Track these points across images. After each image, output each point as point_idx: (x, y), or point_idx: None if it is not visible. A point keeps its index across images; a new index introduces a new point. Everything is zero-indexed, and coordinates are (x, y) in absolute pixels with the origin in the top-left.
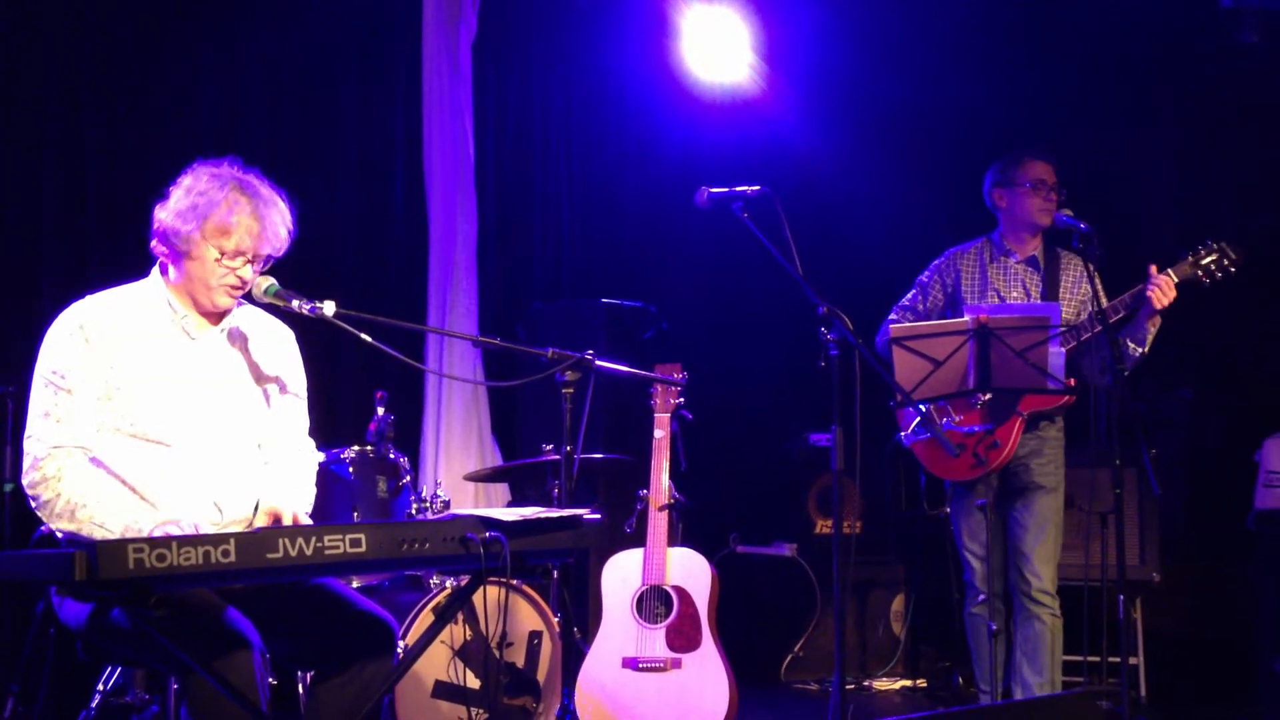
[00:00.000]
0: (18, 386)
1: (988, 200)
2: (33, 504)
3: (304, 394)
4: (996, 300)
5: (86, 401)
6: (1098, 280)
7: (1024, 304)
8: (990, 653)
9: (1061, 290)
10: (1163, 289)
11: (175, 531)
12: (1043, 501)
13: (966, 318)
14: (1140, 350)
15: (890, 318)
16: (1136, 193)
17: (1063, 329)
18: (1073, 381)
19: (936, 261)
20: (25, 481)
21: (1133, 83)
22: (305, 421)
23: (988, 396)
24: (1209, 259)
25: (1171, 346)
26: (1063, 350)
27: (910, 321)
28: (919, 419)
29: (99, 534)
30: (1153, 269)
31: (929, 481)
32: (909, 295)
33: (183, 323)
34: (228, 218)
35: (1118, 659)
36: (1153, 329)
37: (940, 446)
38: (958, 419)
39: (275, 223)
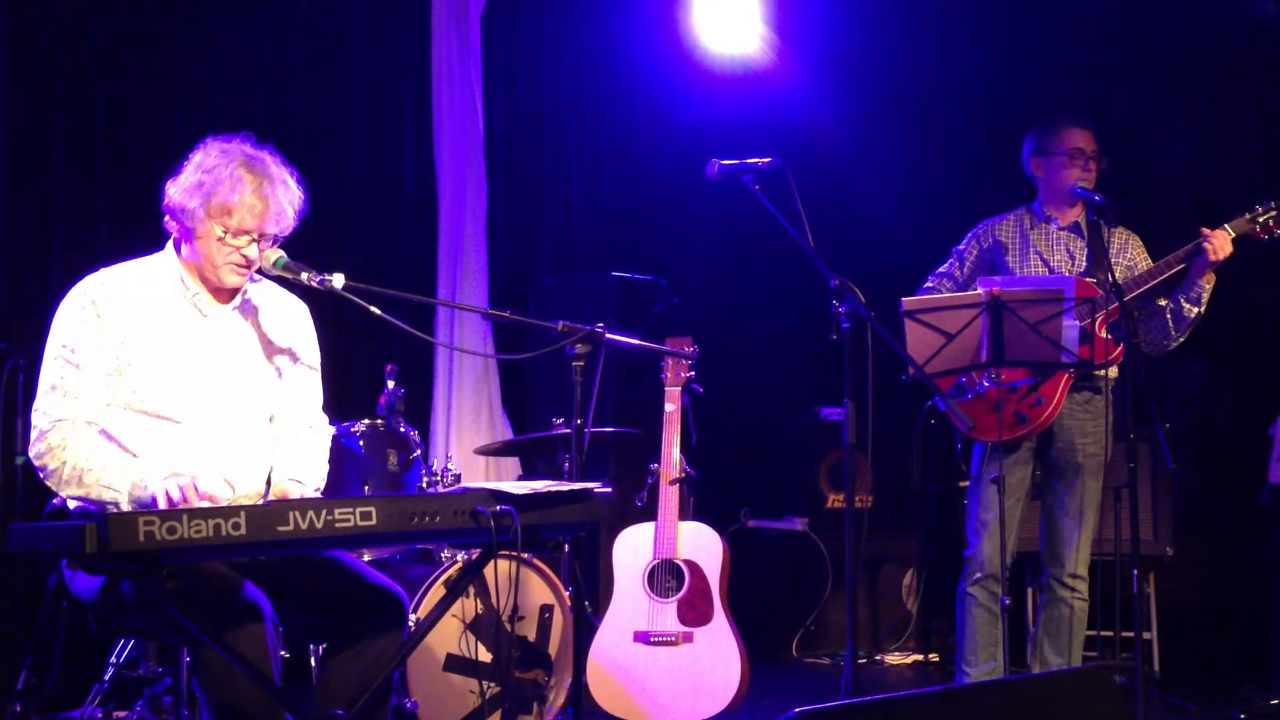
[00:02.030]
0: (29, 359)
1: (1026, 169)
2: (40, 475)
3: (318, 368)
4: (1040, 264)
5: (96, 377)
6: (1138, 250)
7: (1036, 276)
8: (1004, 629)
9: (1112, 254)
10: (1219, 242)
11: (181, 484)
12: (1086, 484)
13: (979, 290)
14: (1196, 310)
15: (927, 285)
16: (1151, 162)
17: (1082, 302)
18: (1122, 346)
19: (973, 230)
20: (31, 454)
21: (1147, 51)
22: (319, 396)
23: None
24: (1266, 216)
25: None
26: (1078, 324)
27: (949, 289)
28: (955, 385)
29: (108, 495)
30: (1204, 230)
31: (965, 447)
32: (945, 264)
33: (194, 299)
34: (230, 196)
35: (1131, 634)
36: (1208, 286)
37: (980, 406)
38: (999, 375)
39: (280, 202)
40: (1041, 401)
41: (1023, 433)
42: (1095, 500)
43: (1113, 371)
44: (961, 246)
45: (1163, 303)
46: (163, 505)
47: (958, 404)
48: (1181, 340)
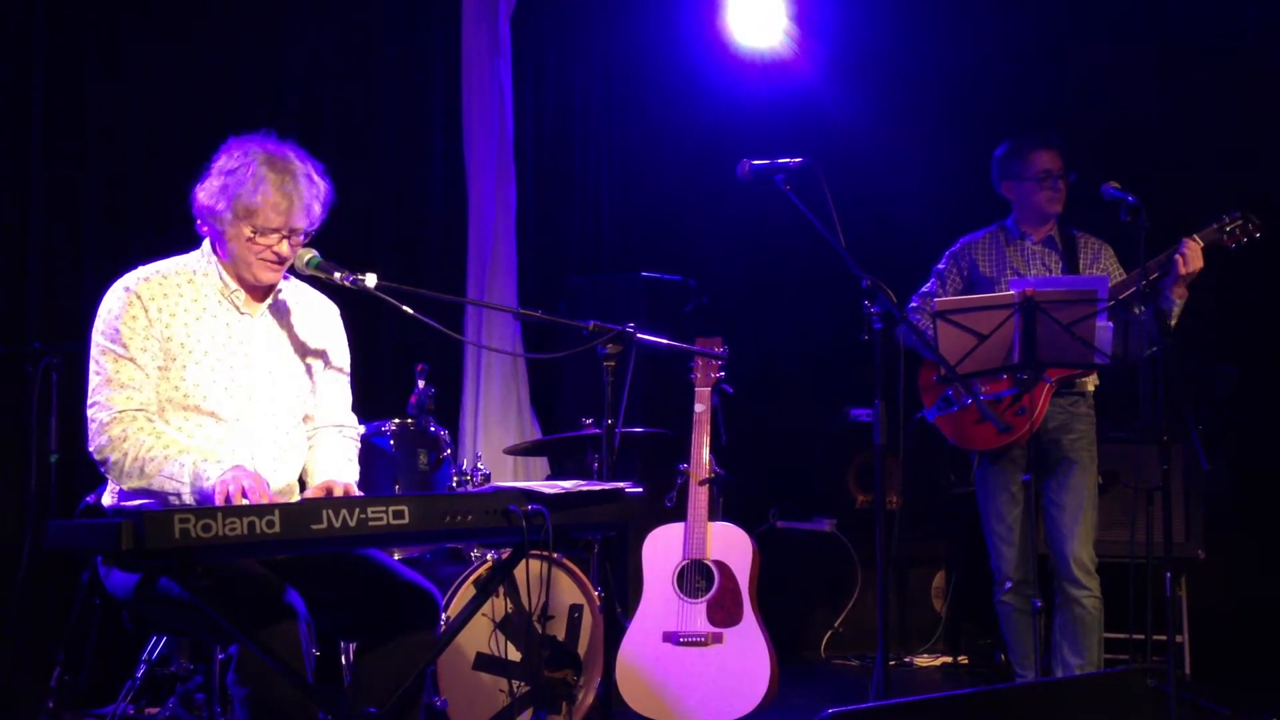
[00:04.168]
0: (63, 359)
1: (997, 189)
2: (101, 468)
3: (348, 369)
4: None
5: (148, 369)
6: (1111, 261)
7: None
8: (1035, 630)
9: (1081, 269)
10: (1190, 254)
11: (242, 480)
12: (1077, 478)
13: (1012, 291)
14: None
15: (911, 304)
16: (1179, 160)
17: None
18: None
19: (950, 249)
20: (91, 448)
21: (1174, 47)
22: (349, 397)
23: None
24: (1232, 225)
25: (1216, 321)
26: (1110, 324)
27: None
28: (942, 398)
29: (170, 486)
30: (1184, 238)
31: (951, 457)
32: (928, 284)
33: (233, 297)
34: (253, 196)
35: (1163, 636)
36: (1179, 301)
37: (965, 418)
38: (984, 387)
39: (305, 197)
40: (1025, 411)
41: (1009, 441)
42: (1091, 495)
43: (1090, 384)
44: (941, 266)
45: (1138, 311)
46: (220, 500)
47: (944, 418)
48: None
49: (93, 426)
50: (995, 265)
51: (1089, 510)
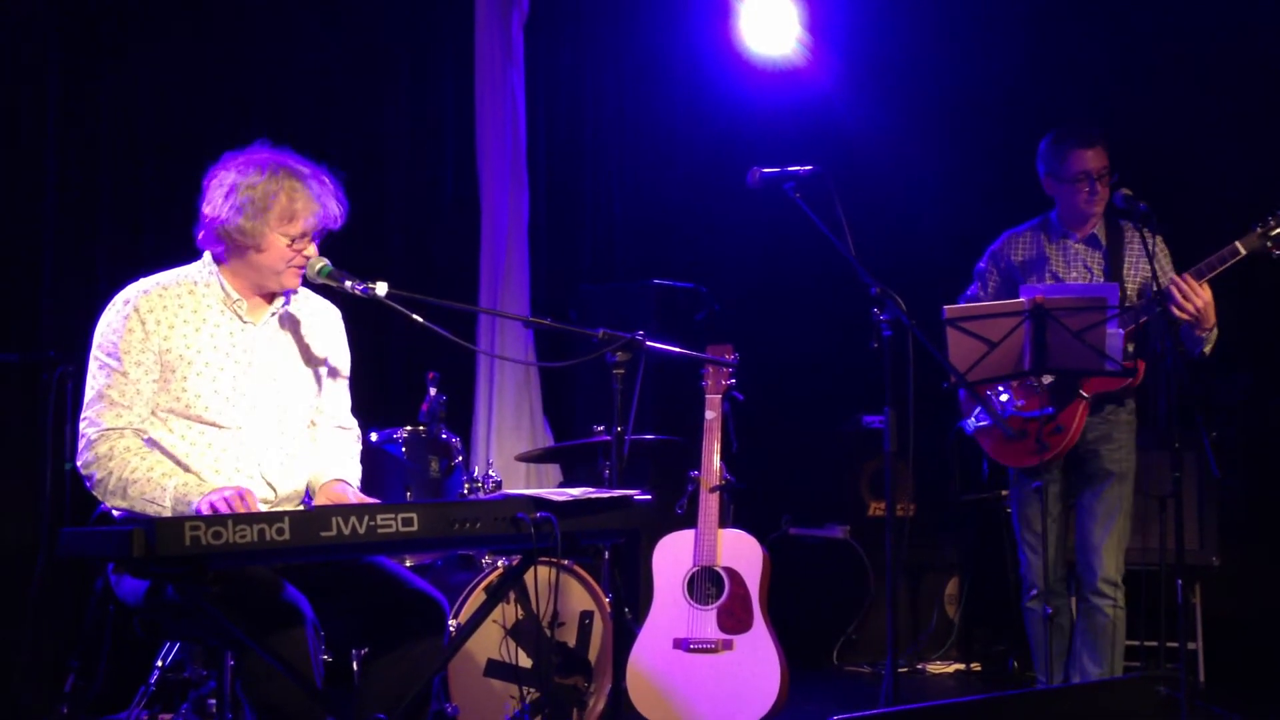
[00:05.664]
0: (76, 366)
1: (1042, 182)
2: (87, 484)
3: (348, 372)
4: (1053, 282)
5: (141, 384)
6: (1157, 261)
7: (1081, 284)
8: (1046, 640)
9: (1125, 267)
10: (1180, 293)
11: (227, 496)
12: (1113, 490)
13: (1022, 298)
14: (1201, 350)
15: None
16: (1196, 164)
17: (1122, 310)
18: (1141, 364)
19: (991, 247)
20: (79, 462)
21: (1189, 50)
22: (348, 400)
23: (1048, 380)
24: (1278, 229)
25: (1231, 327)
26: (1120, 331)
27: None
28: (980, 406)
29: (151, 510)
30: (1173, 275)
31: (991, 466)
32: (970, 288)
33: (235, 306)
34: (293, 205)
35: (1176, 644)
36: (1205, 336)
37: (986, 439)
38: (1019, 403)
39: (328, 196)
40: (1061, 429)
41: (1047, 458)
42: (1126, 506)
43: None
44: (982, 266)
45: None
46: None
47: (983, 430)
48: (1184, 354)
49: (81, 441)
50: (1034, 265)
51: (1121, 521)
